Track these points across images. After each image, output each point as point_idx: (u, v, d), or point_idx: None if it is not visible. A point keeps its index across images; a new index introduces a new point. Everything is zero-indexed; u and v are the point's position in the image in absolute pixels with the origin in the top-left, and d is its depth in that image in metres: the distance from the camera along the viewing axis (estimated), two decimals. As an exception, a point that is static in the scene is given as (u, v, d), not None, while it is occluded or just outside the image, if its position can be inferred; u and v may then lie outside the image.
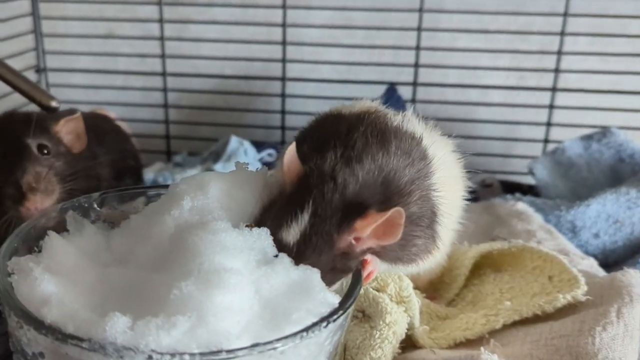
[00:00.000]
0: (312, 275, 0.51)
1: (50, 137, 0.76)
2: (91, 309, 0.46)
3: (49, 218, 0.59)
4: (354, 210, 0.56)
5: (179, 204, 0.54)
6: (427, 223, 0.62)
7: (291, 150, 0.58)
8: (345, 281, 0.58)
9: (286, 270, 0.50)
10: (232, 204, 0.56)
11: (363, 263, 0.58)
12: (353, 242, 0.56)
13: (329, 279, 0.54)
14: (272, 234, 0.54)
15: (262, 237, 0.53)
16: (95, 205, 0.61)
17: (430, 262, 0.68)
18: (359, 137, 0.60)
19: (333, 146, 0.59)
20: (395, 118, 0.64)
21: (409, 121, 0.65)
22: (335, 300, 0.50)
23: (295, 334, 0.45)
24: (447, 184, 0.64)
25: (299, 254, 0.55)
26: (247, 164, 0.61)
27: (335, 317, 0.47)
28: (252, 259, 0.50)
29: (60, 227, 0.58)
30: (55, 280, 0.48)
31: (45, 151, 0.74)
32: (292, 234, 0.55)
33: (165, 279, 0.46)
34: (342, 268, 0.57)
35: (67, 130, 0.78)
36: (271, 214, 0.57)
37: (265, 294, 0.48)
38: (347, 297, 0.51)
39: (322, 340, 0.48)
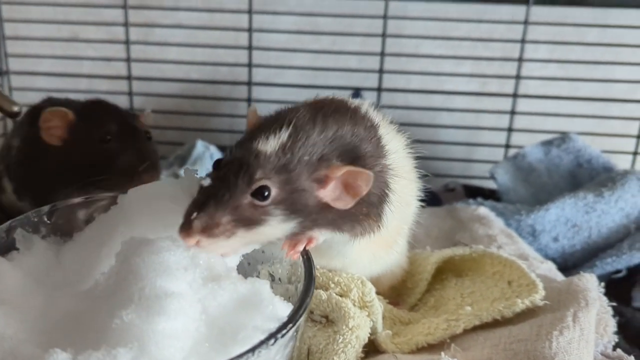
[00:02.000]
0: (260, 287, 0.51)
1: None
2: (37, 339, 0.44)
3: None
4: (331, 153, 0.59)
5: (128, 217, 0.52)
6: (376, 201, 0.63)
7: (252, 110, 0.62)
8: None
9: (233, 284, 0.50)
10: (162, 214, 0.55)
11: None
12: (317, 186, 0.58)
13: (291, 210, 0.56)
14: (246, 144, 0.56)
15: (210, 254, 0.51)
16: (46, 219, 0.59)
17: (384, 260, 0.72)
18: (325, 108, 0.62)
19: (302, 110, 0.61)
20: (354, 103, 0.67)
21: (367, 108, 0.67)
22: (284, 312, 0.49)
23: (241, 355, 0.43)
24: (400, 171, 0.66)
25: (282, 164, 0.56)
26: (196, 169, 0.61)
27: (283, 332, 0.46)
28: (198, 277, 0.49)
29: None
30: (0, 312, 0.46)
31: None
32: (271, 144, 0.57)
33: (109, 306, 0.44)
34: (299, 207, 0.57)
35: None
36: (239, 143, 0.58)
37: (212, 313, 0.47)
38: (297, 310, 0.50)
39: (273, 355, 0.47)
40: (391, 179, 0.64)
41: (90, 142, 0.85)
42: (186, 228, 0.52)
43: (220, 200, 0.54)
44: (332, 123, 0.60)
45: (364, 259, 0.71)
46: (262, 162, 0.56)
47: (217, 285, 0.49)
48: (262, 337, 0.45)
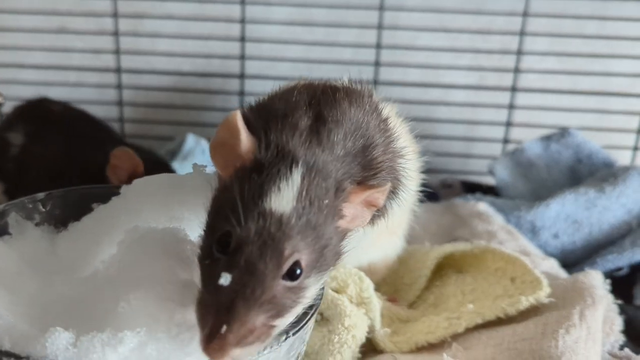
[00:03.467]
0: None
1: None
2: (30, 322, 0.43)
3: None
4: (345, 174, 0.51)
5: (130, 207, 0.51)
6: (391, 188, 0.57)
7: (238, 121, 0.48)
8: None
9: None
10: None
11: None
12: (337, 218, 0.50)
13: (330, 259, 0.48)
14: (252, 206, 0.45)
15: None
16: (40, 207, 0.58)
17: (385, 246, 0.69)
18: (324, 112, 0.54)
19: (304, 110, 0.53)
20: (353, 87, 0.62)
21: (366, 91, 0.62)
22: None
23: None
24: (406, 154, 0.61)
25: (304, 221, 0.46)
26: (205, 166, 0.56)
27: (295, 330, 0.45)
28: None
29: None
30: None
31: None
32: (286, 197, 0.46)
33: (113, 291, 0.43)
34: (330, 258, 0.49)
35: None
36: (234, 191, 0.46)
37: None
38: (307, 311, 0.48)
39: (282, 354, 0.45)
40: (399, 165, 0.59)
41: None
42: (218, 345, 0.41)
43: (251, 298, 0.43)
44: (336, 128, 0.52)
45: (364, 246, 0.66)
46: (286, 231, 0.45)
47: None
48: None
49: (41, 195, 0.58)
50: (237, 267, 0.43)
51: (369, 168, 0.54)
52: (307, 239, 0.45)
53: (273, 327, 0.44)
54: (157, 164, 0.87)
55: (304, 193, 0.46)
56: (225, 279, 0.42)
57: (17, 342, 0.40)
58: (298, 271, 0.45)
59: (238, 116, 0.48)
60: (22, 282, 0.48)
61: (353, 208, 0.51)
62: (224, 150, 0.49)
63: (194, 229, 0.49)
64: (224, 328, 0.41)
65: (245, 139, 0.48)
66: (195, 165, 0.55)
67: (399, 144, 0.60)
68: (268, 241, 0.44)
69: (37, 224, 0.57)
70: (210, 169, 0.53)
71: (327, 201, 0.47)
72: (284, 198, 0.45)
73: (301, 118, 0.52)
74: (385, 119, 0.60)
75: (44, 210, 0.58)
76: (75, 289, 0.46)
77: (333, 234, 0.48)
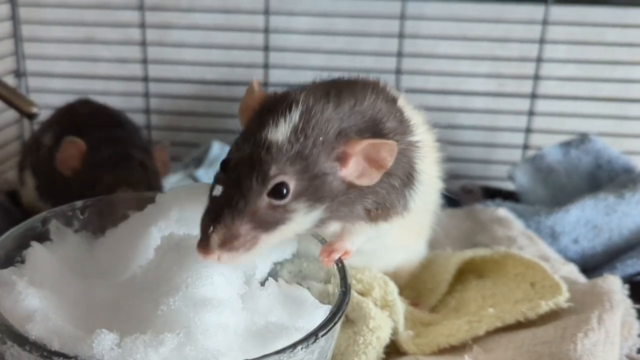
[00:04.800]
0: (303, 292, 0.50)
1: None
2: (75, 324, 0.45)
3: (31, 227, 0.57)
4: (351, 127, 0.55)
5: (166, 215, 0.53)
6: (401, 182, 0.60)
7: (255, 84, 0.58)
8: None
9: (273, 286, 0.50)
10: None
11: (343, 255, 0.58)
12: (338, 165, 0.54)
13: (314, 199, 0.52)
14: (253, 134, 0.51)
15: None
16: (79, 214, 0.60)
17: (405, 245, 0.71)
18: (338, 82, 0.61)
19: (313, 86, 0.60)
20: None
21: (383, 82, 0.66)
22: (324, 315, 0.48)
23: (282, 351, 0.43)
24: (426, 149, 0.63)
25: (296, 151, 0.51)
26: None
27: (324, 332, 0.46)
28: (240, 275, 0.49)
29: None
30: (40, 294, 0.47)
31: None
32: (282, 131, 0.52)
33: (152, 295, 0.45)
34: (323, 193, 0.53)
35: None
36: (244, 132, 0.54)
37: (252, 311, 0.47)
38: (335, 313, 0.49)
39: (315, 356, 0.47)
40: (417, 158, 0.61)
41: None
42: (204, 244, 0.48)
43: (235, 207, 0.49)
44: (348, 96, 0.57)
45: (392, 250, 0.71)
46: (274, 155, 0.51)
47: (257, 285, 0.49)
48: (301, 336, 0.45)
49: (79, 203, 0.60)
50: (228, 181, 0.51)
51: (379, 135, 0.57)
52: (295, 165, 0.51)
53: (258, 238, 0.50)
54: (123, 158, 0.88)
55: (299, 128, 0.52)
56: (217, 190, 0.50)
57: (66, 343, 0.42)
58: (284, 191, 0.51)
59: (256, 81, 0.58)
60: (65, 286, 0.50)
61: (357, 162, 0.55)
62: (247, 111, 0.57)
63: None
64: (211, 229, 0.48)
65: (258, 91, 0.57)
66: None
67: (417, 137, 0.62)
68: (256, 162, 0.51)
69: (76, 231, 0.59)
70: None
71: (322, 139, 0.53)
72: (279, 130, 0.52)
73: (317, 86, 0.59)
74: (400, 108, 0.62)
75: (82, 217, 0.60)
76: (115, 293, 0.48)
77: (329, 171, 0.53)
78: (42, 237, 0.56)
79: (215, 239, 0.48)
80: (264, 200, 0.51)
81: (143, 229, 0.53)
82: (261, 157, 0.51)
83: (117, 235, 0.56)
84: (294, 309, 0.49)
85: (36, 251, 0.53)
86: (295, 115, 0.53)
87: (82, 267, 0.53)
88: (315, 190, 0.53)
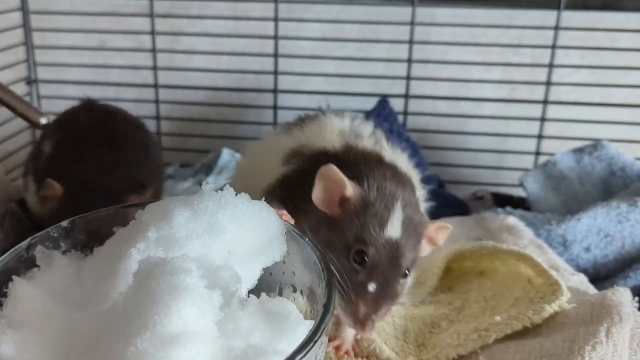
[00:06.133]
0: (287, 307, 0.48)
1: None
2: None
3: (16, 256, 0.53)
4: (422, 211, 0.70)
5: (144, 235, 0.49)
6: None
7: (338, 172, 0.63)
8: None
9: (255, 305, 0.47)
10: (199, 231, 0.51)
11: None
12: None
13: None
14: (375, 234, 0.62)
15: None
16: (65, 234, 0.56)
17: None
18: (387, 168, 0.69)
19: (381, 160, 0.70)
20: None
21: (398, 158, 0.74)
22: (307, 331, 0.45)
23: None
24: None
25: (405, 247, 0.63)
26: (213, 184, 0.54)
27: (301, 355, 0.43)
28: (217, 298, 0.47)
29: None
30: (17, 337, 0.45)
31: None
32: (396, 227, 0.63)
33: (125, 331, 0.43)
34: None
35: None
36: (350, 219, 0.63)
37: (230, 337, 0.44)
38: (314, 333, 0.46)
39: None
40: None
41: None
42: (370, 327, 0.62)
43: (388, 297, 0.62)
44: (402, 182, 0.67)
45: None
46: (401, 251, 0.63)
47: (238, 306, 0.46)
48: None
49: (65, 223, 0.57)
50: (378, 278, 0.62)
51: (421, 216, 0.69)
52: (410, 254, 0.64)
53: (392, 307, 0.64)
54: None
55: (406, 222, 0.63)
56: (372, 287, 0.61)
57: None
58: (407, 273, 0.64)
59: (335, 168, 0.63)
60: (47, 321, 0.47)
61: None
62: (327, 194, 0.64)
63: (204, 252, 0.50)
64: (374, 315, 0.61)
65: (349, 185, 0.63)
66: (205, 185, 0.54)
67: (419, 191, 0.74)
68: (393, 261, 0.62)
69: (63, 252, 0.56)
70: (227, 187, 0.54)
71: (419, 229, 0.65)
72: (394, 226, 0.63)
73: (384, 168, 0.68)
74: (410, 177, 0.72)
75: (69, 237, 0.57)
76: (95, 325, 0.46)
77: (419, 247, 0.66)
78: (29, 264, 0.53)
79: (378, 322, 0.63)
80: (400, 284, 0.64)
81: (123, 251, 0.49)
82: (394, 256, 0.63)
83: (103, 254, 0.52)
84: (277, 325, 0.47)
85: (17, 286, 0.50)
86: (399, 211, 0.63)
87: (69, 294, 0.50)
88: (415, 263, 0.66)
